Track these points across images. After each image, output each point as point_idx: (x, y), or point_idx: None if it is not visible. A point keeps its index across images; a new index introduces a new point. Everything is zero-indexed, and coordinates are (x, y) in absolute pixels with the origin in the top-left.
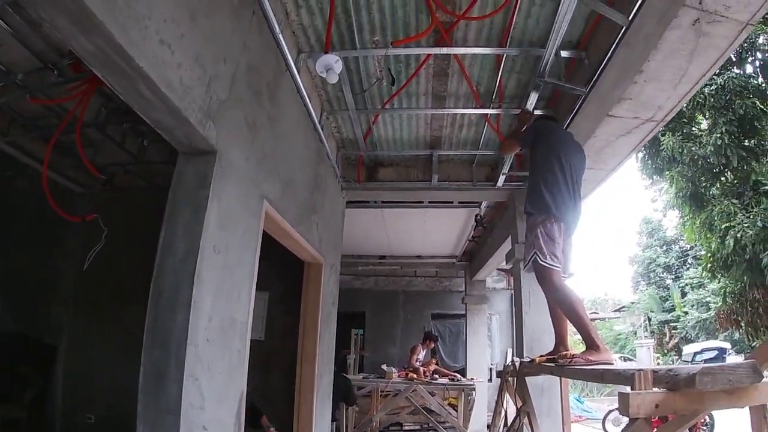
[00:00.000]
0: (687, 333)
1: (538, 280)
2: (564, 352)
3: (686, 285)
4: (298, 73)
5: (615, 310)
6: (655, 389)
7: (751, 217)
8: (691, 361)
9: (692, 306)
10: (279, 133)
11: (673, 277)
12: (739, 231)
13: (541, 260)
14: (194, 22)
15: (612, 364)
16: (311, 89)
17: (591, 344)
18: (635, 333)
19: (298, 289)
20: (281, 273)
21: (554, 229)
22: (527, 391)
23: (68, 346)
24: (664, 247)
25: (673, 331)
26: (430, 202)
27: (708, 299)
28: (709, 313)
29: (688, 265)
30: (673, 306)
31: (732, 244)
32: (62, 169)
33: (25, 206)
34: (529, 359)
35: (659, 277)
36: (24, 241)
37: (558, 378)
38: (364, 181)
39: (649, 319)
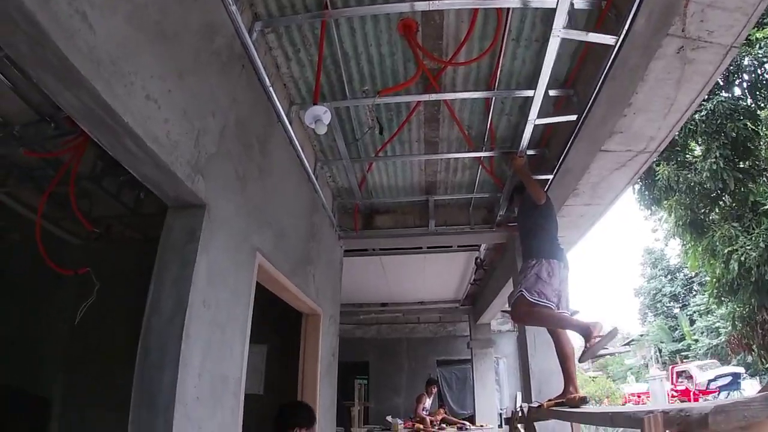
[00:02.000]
0: (700, 360)
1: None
2: (573, 395)
3: (694, 312)
4: (290, 124)
5: (624, 344)
6: None
7: (753, 238)
8: (706, 388)
9: (702, 333)
10: (270, 184)
11: (680, 305)
12: (742, 254)
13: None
14: (181, 79)
15: None
16: (304, 140)
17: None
18: (647, 365)
19: (298, 341)
20: (280, 325)
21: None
22: None
23: (62, 401)
24: (669, 276)
25: (685, 360)
26: (428, 248)
27: (717, 325)
28: (719, 338)
29: (694, 293)
30: (682, 335)
31: (736, 267)
32: (58, 220)
33: (19, 259)
34: (537, 404)
35: (666, 306)
36: (17, 295)
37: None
38: (361, 229)
39: (660, 350)
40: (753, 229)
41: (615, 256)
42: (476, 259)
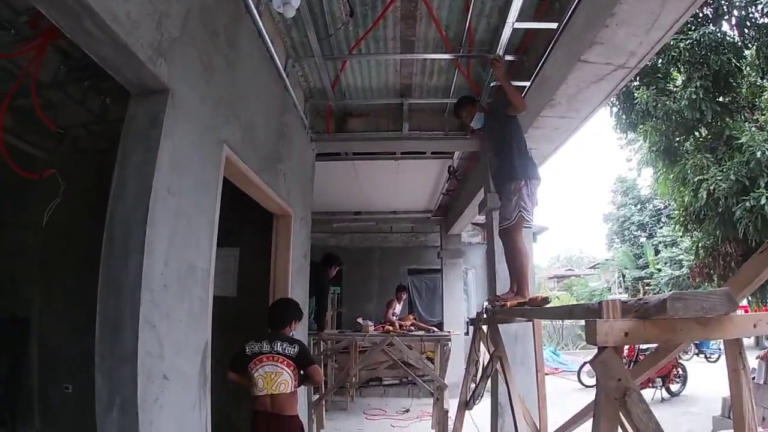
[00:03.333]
0: (660, 289)
1: (507, 234)
2: (536, 296)
3: (659, 243)
4: (260, 17)
5: (590, 267)
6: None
7: (725, 170)
8: None
9: (665, 263)
10: (238, 77)
11: (646, 235)
12: (712, 184)
13: (527, 218)
14: None
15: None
16: (275, 35)
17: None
18: (609, 289)
19: (270, 245)
20: (253, 229)
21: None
22: (500, 337)
23: (40, 316)
24: (639, 206)
25: (646, 288)
26: (402, 153)
27: (681, 257)
28: (681, 270)
29: (661, 224)
30: (646, 263)
31: (705, 197)
32: (23, 134)
33: None
34: (501, 303)
35: (633, 234)
36: None
37: (531, 326)
38: (333, 132)
39: (623, 276)
40: (725, 161)
41: (588, 182)
42: (449, 167)
